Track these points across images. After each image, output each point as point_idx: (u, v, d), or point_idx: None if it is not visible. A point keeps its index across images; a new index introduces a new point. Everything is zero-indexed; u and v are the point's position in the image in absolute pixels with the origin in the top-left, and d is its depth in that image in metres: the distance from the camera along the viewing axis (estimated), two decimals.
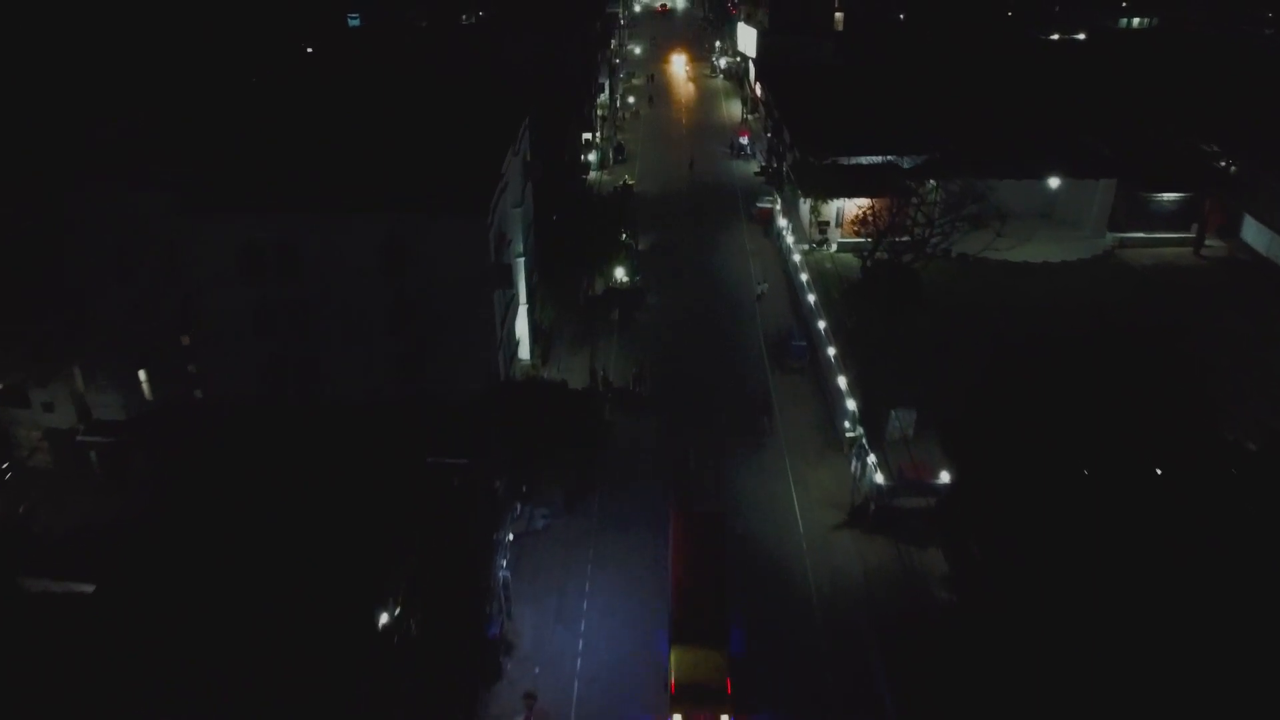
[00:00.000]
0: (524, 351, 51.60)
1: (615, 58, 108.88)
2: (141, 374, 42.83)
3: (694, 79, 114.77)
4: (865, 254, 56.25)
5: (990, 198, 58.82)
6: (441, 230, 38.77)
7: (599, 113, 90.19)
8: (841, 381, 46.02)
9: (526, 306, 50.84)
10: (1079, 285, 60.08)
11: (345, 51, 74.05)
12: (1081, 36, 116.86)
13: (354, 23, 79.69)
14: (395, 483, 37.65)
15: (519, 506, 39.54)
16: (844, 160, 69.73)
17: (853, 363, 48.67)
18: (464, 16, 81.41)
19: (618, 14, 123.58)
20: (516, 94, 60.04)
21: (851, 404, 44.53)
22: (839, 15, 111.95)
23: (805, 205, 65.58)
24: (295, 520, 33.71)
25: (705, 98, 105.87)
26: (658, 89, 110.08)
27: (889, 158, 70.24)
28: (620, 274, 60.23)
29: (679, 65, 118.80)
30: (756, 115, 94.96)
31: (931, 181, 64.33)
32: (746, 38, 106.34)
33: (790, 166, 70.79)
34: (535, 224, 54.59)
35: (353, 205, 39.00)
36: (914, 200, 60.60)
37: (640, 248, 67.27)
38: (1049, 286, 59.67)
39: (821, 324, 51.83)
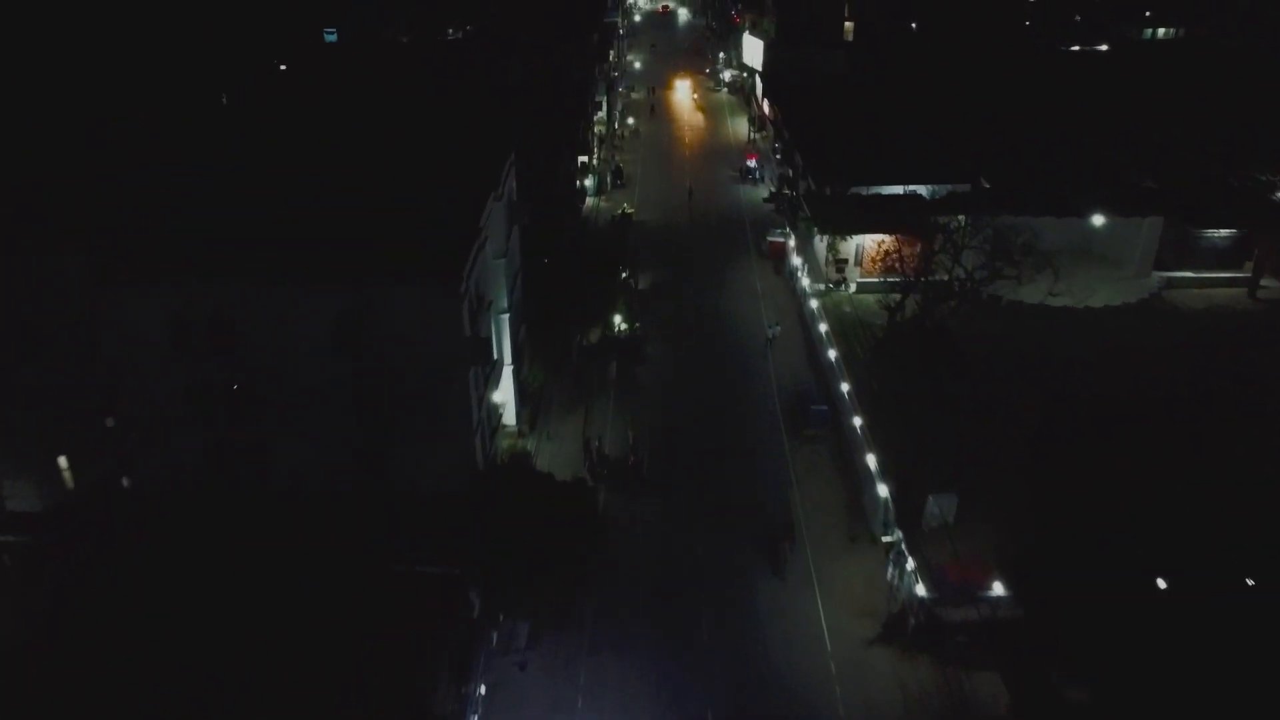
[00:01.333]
0: (509, 416, 45.75)
1: (614, 71, 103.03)
2: (62, 460, 36.94)
3: (697, 93, 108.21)
4: (891, 305, 50.40)
5: (1028, 236, 53.20)
6: (407, 302, 32.92)
7: (596, 129, 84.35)
8: (870, 461, 40.12)
9: (512, 367, 44.98)
10: (1125, 333, 54.14)
11: (320, 70, 68.26)
12: (1104, 48, 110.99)
13: (331, 38, 73.92)
14: (354, 595, 32.07)
15: (495, 636, 33.61)
16: (862, 190, 64.14)
17: (881, 434, 42.79)
18: (450, 31, 75.57)
19: (617, 23, 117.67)
20: (503, 122, 54.38)
21: (883, 490, 38.63)
22: (849, 25, 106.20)
23: (821, 242, 59.69)
24: (230, 641, 28.40)
25: (709, 114, 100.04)
26: (659, 101, 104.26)
27: (911, 188, 64.50)
28: (618, 321, 54.37)
29: (681, 79, 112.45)
30: (764, 134, 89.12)
31: (961, 217, 58.45)
32: (752, 49, 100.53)
33: (803, 196, 64.87)
34: (524, 269, 48.78)
35: (301, 273, 33.14)
36: (942, 239, 54.73)
37: (640, 286, 61.44)
38: (1092, 334, 53.69)
39: (845, 386, 45.93)
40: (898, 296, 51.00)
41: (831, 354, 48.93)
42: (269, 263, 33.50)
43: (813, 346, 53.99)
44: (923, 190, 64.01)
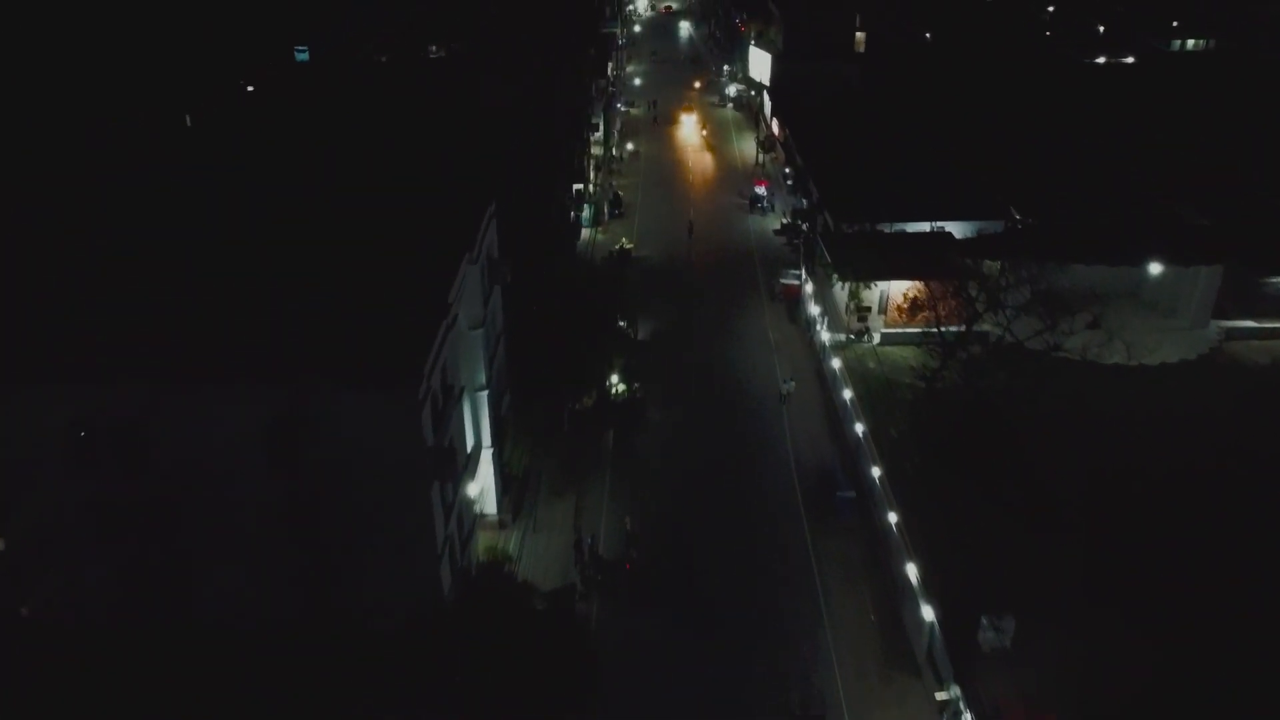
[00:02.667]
0: (489, 505, 39.76)
1: (611, 86, 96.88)
2: None
3: (706, 128, 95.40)
4: (927, 374, 44.41)
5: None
6: (354, 407, 26.91)
7: (592, 151, 78.29)
8: (911, 573, 34.08)
9: (492, 450, 38.96)
10: (1185, 394, 48.16)
11: (288, 92, 62.24)
12: (1130, 60, 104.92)
13: (302, 58, 67.84)
14: None
15: None
16: (884, 227, 58.16)
17: (921, 532, 36.79)
18: (432, 48, 69.50)
19: (615, 33, 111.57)
20: (484, 159, 48.31)
21: (928, 613, 32.60)
22: (860, 35, 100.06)
23: (841, 289, 53.67)
24: None
25: (714, 132, 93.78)
26: (661, 114, 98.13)
27: (939, 225, 58.53)
28: (615, 380, 48.34)
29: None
30: (773, 156, 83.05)
31: (997, 263, 52.47)
32: (759, 63, 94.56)
33: (820, 235, 58.81)
34: (507, 330, 42.80)
35: (225, 371, 27.10)
36: (978, 288, 48.79)
37: (639, 336, 55.41)
38: (1148, 397, 47.67)
39: (875, 471, 39.89)
40: (934, 364, 44.94)
41: (858, 428, 42.87)
42: (186, 358, 27.45)
43: (833, 409, 48.04)
44: (952, 228, 58.16)
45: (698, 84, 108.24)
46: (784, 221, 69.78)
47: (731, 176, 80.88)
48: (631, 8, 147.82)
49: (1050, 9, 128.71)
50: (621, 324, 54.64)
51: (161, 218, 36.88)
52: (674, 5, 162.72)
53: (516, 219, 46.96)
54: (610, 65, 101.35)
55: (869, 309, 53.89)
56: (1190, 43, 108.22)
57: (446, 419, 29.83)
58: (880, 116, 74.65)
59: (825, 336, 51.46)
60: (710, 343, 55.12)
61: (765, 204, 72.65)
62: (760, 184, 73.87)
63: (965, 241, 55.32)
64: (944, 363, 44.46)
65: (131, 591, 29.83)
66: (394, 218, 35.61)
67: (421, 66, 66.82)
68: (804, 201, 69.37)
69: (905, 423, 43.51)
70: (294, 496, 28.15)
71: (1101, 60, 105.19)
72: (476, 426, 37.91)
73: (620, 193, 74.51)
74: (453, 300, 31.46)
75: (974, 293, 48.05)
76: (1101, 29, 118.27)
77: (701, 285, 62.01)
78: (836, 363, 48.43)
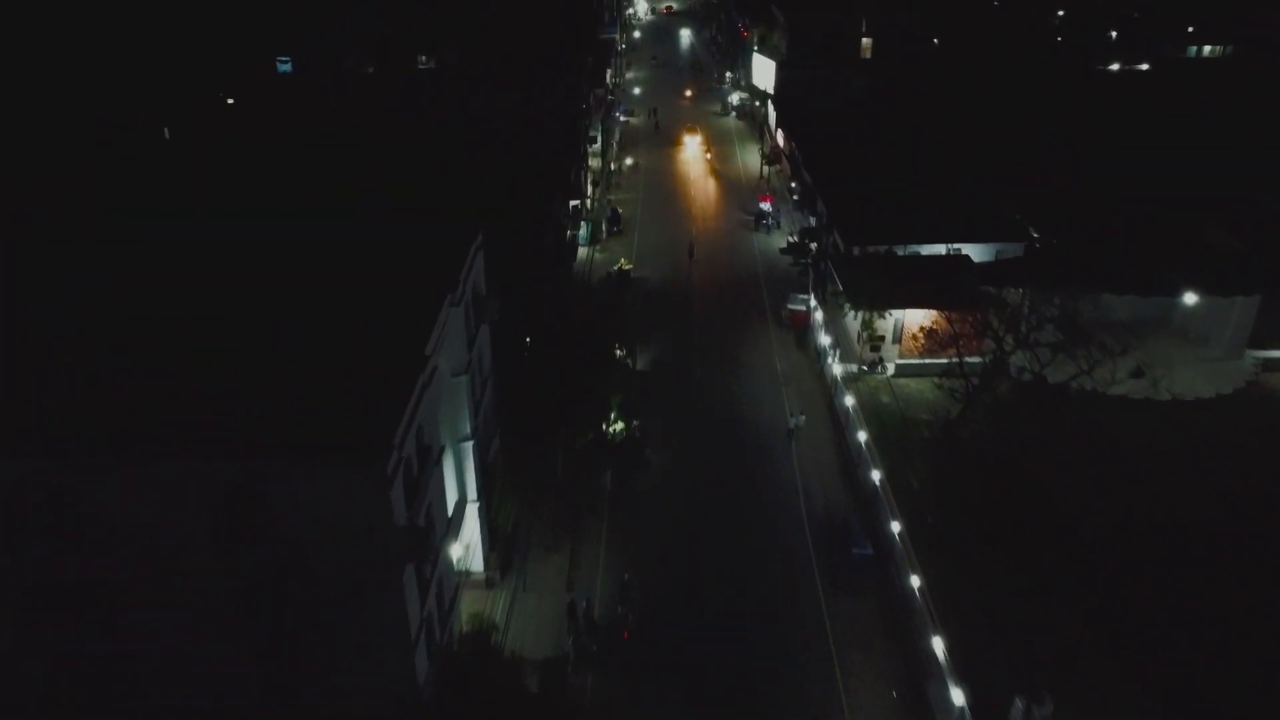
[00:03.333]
0: (476, 563, 36.60)
1: (610, 94, 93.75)
2: None
3: (710, 152, 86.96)
4: (951, 417, 41.27)
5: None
6: (314, 483, 23.73)
7: (590, 163, 75.15)
8: (938, 647, 30.94)
9: (479, 504, 35.81)
10: (1222, 432, 45.01)
11: (270, 106, 59.07)
12: (1145, 67, 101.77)
13: (285, 69, 64.62)
14: None
15: None
16: (898, 249, 55.04)
17: (945, 596, 33.63)
18: (423, 58, 66.28)
19: (614, 39, 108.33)
20: (473, 181, 45.23)
21: (958, 697, 29.42)
22: (866, 41, 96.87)
23: (854, 319, 50.47)
24: None
25: (716, 142, 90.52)
26: (663, 120, 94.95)
27: (955, 247, 55.40)
28: (613, 418, 45.19)
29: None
30: (778, 168, 79.83)
31: (1020, 290, 49.39)
32: (763, 70, 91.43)
33: (829, 259, 55.61)
34: (497, 369, 39.68)
35: (169, 444, 23.92)
36: (999, 318, 45.76)
37: (639, 366, 52.26)
38: (1183, 435, 44.55)
39: (895, 526, 36.72)
40: (957, 405, 41.80)
41: (875, 476, 39.68)
42: (126, 429, 24.25)
43: (846, 446, 44.92)
44: (969, 250, 55.05)
45: (688, 93, 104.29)
46: (790, 239, 66.56)
47: (735, 190, 77.65)
48: (631, 11, 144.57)
49: (1060, 13, 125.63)
50: (620, 352, 51.54)
51: (102, 257, 33.47)
52: (674, 5, 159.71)
53: (508, 245, 43.85)
54: (609, 72, 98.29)
55: (882, 338, 50.73)
56: (1206, 49, 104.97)
57: (423, 489, 26.65)
58: (889, 127, 71.49)
59: (837, 370, 48.26)
60: (714, 373, 51.96)
61: (770, 221, 69.42)
62: (765, 199, 70.61)
63: (984, 266, 52.24)
64: (968, 405, 41.28)
65: (68, 683, 26.65)
66: (367, 254, 32.36)
67: (410, 78, 63.63)
68: (811, 219, 66.24)
69: (926, 470, 40.30)
70: (249, 579, 24.97)
71: (1115, 67, 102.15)
72: (461, 480, 34.79)
73: (619, 208, 71.28)
74: (431, 352, 28.26)
75: (997, 326, 45.07)
76: (1114, 34, 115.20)
77: (704, 309, 58.84)
78: (850, 400, 45.22)
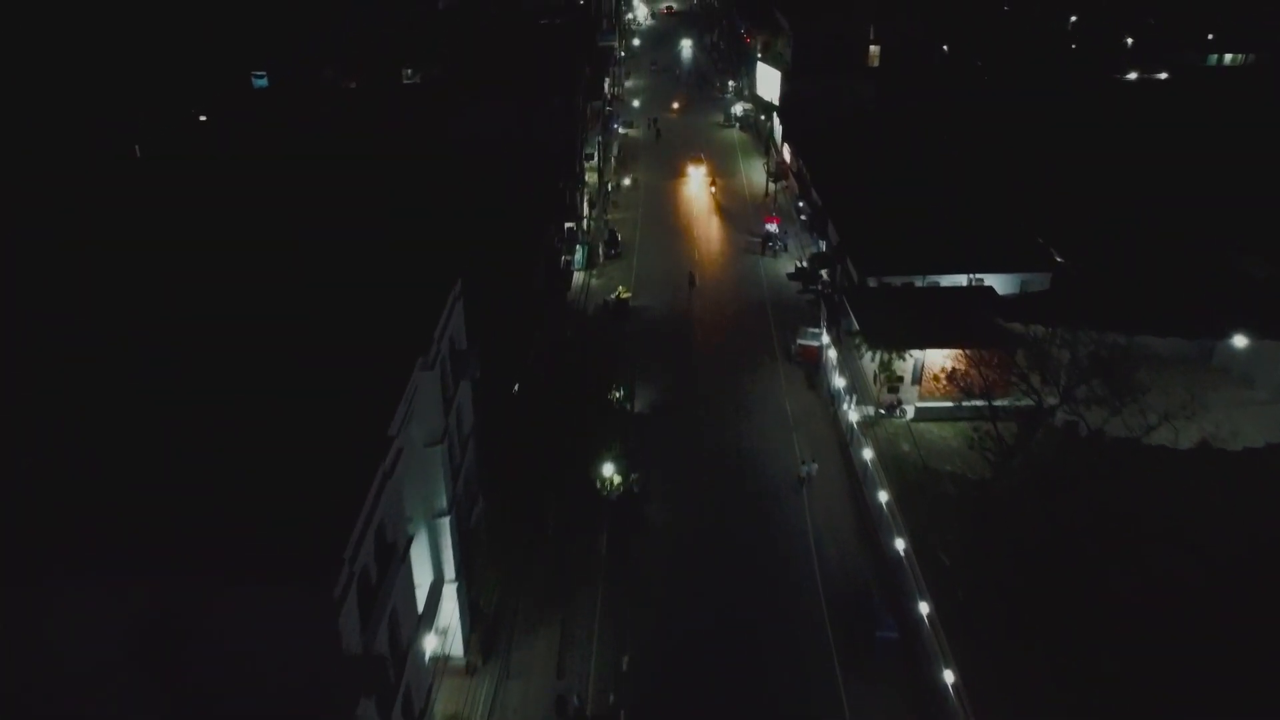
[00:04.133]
0: (455, 647, 32.77)
1: (609, 106, 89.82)
2: None
3: (715, 186, 78.51)
4: (985, 486, 37.41)
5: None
6: (247, 605, 19.91)
7: (587, 180, 71.26)
8: None
9: (457, 584, 32.00)
10: (1266, 484, 41.09)
11: (244, 123, 55.23)
12: (1164, 76, 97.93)
13: (260, 83, 60.76)
14: None
15: None
16: (916, 280, 51.32)
17: (984, 693, 29.79)
18: (408, 72, 62.41)
19: (613, 47, 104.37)
20: (455, 211, 41.48)
21: None
22: (874, 49, 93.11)
23: (871, 360, 46.64)
24: None
25: (718, 157, 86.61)
26: (665, 128, 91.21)
27: (977, 278, 51.63)
28: (609, 473, 41.41)
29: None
30: (785, 184, 75.98)
31: (1049, 330, 45.59)
32: (767, 80, 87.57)
33: (843, 292, 51.75)
34: (482, 418, 35.91)
35: (75, 560, 20.10)
36: (1029, 358, 42.08)
37: (637, 408, 48.46)
38: (1236, 490, 40.63)
39: (923, 607, 32.88)
40: (987, 456, 38.01)
41: (899, 544, 35.85)
42: (23, 543, 20.44)
43: (863, 500, 41.20)
44: (992, 280, 51.28)
45: (675, 105, 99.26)
46: (798, 265, 62.81)
47: (739, 209, 73.72)
48: (630, 16, 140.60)
49: (1073, 19, 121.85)
50: (617, 394, 47.81)
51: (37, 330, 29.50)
52: (674, 5, 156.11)
53: (495, 283, 40.11)
54: (607, 81, 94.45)
55: (901, 379, 46.87)
56: (1229, 58, 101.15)
57: (384, 599, 22.81)
58: (900, 141, 67.64)
59: (853, 416, 44.40)
60: (718, 416, 48.11)
61: (777, 244, 65.52)
62: (771, 220, 66.67)
63: (1010, 301, 48.48)
64: (999, 462, 37.48)
65: None
66: (326, 310, 28.56)
67: (394, 93, 59.82)
68: (821, 243, 62.40)
69: (955, 537, 36.38)
70: (173, 707, 21.13)
71: (1133, 76, 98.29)
72: (437, 559, 31.00)
73: (617, 230, 67.41)
74: (396, 432, 24.43)
75: (1028, 372, 41.44)
76: (1129, 41, 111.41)
77: (707, 342, 55.00)
78: (868, 454, 41.37)
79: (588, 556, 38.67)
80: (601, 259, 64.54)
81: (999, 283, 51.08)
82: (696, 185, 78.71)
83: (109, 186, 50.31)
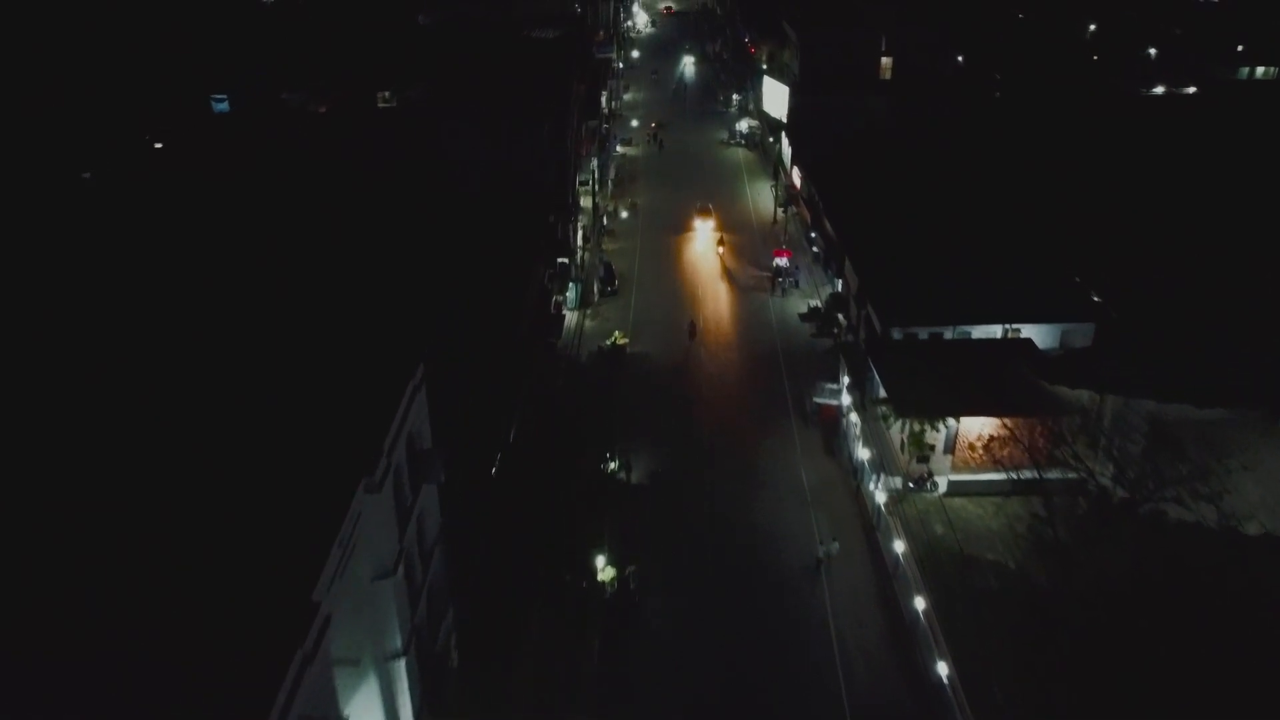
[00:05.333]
0: None
1: (606, 124, 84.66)
2: None
3: (723, 245, 66.96)
4: (1042, 599, 32.10)
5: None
6: None
7: (581, 207, 66.05)
8: None
9: None
10: None
11: (201, 152, 49.93)
12: (1193, 91, 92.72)
13: (221, 108, 55.50)
14: None
15: None
16: (945, 331, 46.13)
17: None
18: (384, 95, 57.13)
19: (611, 59, 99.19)
20: (431, 260, 36.31)
21: None
22: (886, 61, 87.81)
23: (899, 428, 41.36)
24: None
25: (722, 180, 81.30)
26: (666, 137, 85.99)
27: (1014, 328, 46.39)
28: (601, 566, 36.23)
29: (703, 217, 73.64)
30: (795, 210, 70.67)
31: (1096, 395, 40.46)
32: (774, 96, 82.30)
33: (866, 347, 46.42)
34: (451, 512, 30.64)
35: None
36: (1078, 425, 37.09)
37: (633, 479, 43.19)
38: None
39: None
40: (1036, 566, 32.78)
41: (941, 669, 30.58)
42: None
43: (891, 596, 36.02)
44: (1029, 331, 46.04)
45: (653, 124, 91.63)
46: (811, 305, 57.56)
47: (747, 239, 68.07)
48: (629, 23, 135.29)
49: (1092, 27, 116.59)
50: (612, 464, 42.61)
51: None
52: (673, 5, 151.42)
53: (474, 347, 34.99)
54: (605, 95, 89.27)
55: (932, 448, 41.60)
56: (1260, 70, 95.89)
57: None
58: (919, 166, 62.27)
59: (880, 498, 39.10)
60: (726, 489, 42.80)
61: (788, 280, 60.20)
62: (782, 254, 61.32)
63: (1054, 360, 43.18)
64: (1052, 554, 32.28)
65: None
66: (245, 424, 23.24)
67: (368, 118, 54.50)
68: (837, 282, 57.06)
69: (1005, 656, 31.03)
70: None
71: (1160, 90, 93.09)
72: (390, 707, 25.68)
73: (613, 264, 62.06)
74: (321, 598, 19.15)
75: (1073, 440, 36.47)
76: (1152, 52, 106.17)
77: (714, 398, 49.63)
78: (900, 546, 36.08)
79: (578, 671, 33.41)
80: (596, 297, 59.27)
81: (1037, 334, 45.81)
82: (702, 242, 67.48)
83: (46, 217, 45.15)
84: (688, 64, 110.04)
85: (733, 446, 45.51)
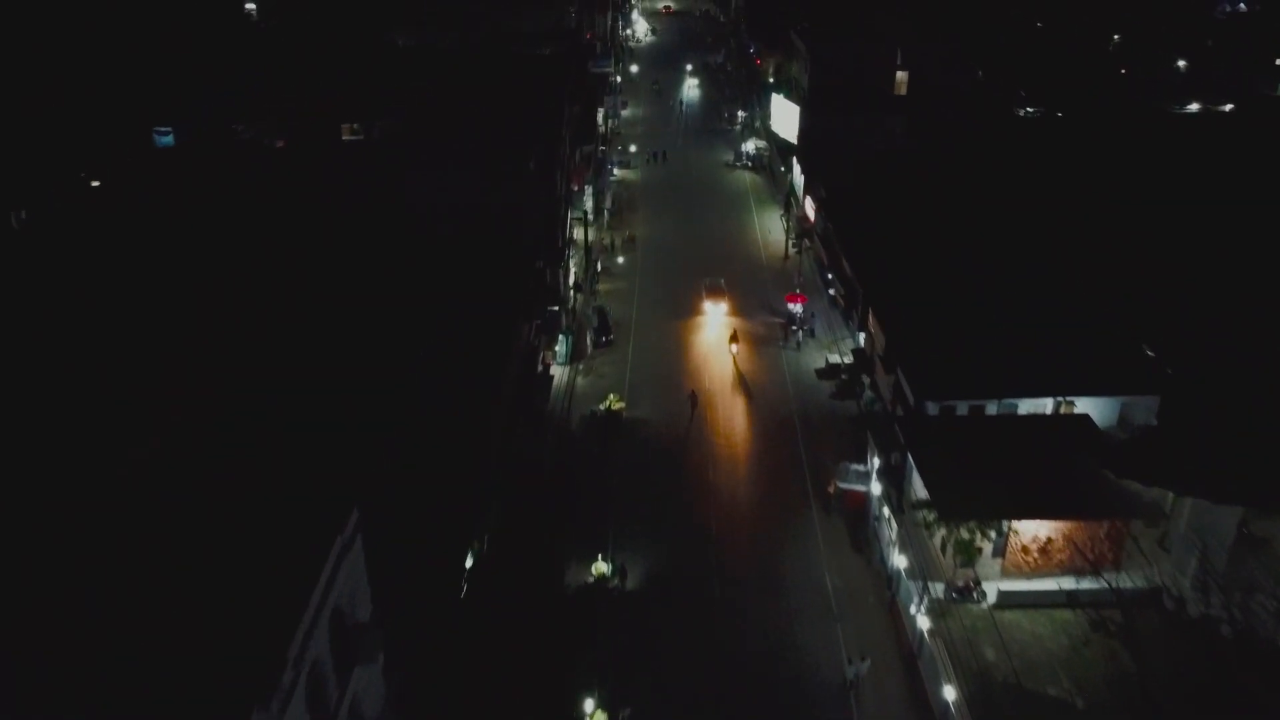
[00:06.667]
0: None
1: (602, 146, 78.62)
2: None
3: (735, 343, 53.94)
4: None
5: None
6: None
7: (573, 249, 60.10)
8: None
9: None
10: None
11: (146, 186, 43.77)
12: (1229, 108, 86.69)
13: (165, 140, 49.34)
14: None
15: None
16: (988, 405, 40.05)
17: None
18: (351, 127, 50.95)
19: (609, 73, 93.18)
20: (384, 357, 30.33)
21: None
22: (901, 75, 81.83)
23: (942, 534, 35.27)
24: None
25: (728, 207, 75.14)
26: (670, 164, 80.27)
27: (1067, 401, 40.31)
28: (591, 711, 30.20)
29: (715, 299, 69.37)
30: (807, 247, 64.58)
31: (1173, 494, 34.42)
32: (783, 116, 76.46)
33: (899, 426, 40.22)
34: (404, 652, 24.62)
35: None
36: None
37: (629, 585, 37.10)
38: None
39: None
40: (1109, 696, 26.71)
41: None
42: None
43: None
44: (1084, 405, 39.99)
45: (632, 148, 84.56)
46: (830, 360, 51.52)
47: (755, 279, 61.58)
48: (629, 32, 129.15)
49: (1115, 37, 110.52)
50: (605, 568, 36.58)
51: None
52: (672, 5, 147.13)
53: (443, 435, 29.09)
54: (601, 113, 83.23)
55: (980, 550, 35.55)
56: None
57: None
58: (946, 197, 56.06)
59: (924, 622, 32.96)
60: (735, 601, 36.63)
61: (803, 330, 54.03)
62: (796, 300, 55.02)
63: (1117, 448, 37.02)
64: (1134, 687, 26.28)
65: None
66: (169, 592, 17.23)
67: (331, 155, 48.41)
68: (860, 335, 50.96)
69: None
70: None
71: (1195, 108, 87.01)
72: None
73: (608, 311, 55.88)
74: None
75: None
76: (1181, 63, 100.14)
77: (722, 478, 43.50)
78: (951, 694, 29.97)
79: None
80: (590, 348, 53.20)
81: (1094, 409, 39.77)
82: (713, 329, 55.51)
83: None
84: (690, 86, 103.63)
85: (744, 544, 39.38)
